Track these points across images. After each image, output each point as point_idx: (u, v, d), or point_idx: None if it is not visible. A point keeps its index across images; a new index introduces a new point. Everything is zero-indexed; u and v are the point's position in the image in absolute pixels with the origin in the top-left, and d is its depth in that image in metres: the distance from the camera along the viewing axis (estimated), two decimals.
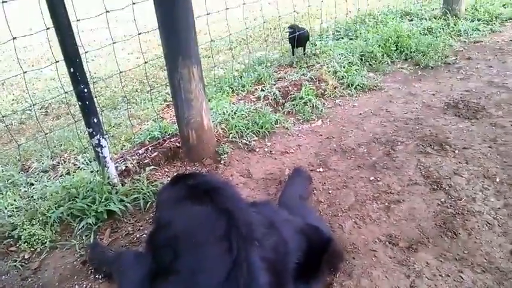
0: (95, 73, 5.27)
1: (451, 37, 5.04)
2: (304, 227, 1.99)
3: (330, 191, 2.65)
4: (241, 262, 1.48)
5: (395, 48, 4.65)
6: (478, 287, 1.92)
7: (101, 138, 2.65)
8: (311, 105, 3.71)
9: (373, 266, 2.07)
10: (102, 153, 2.67)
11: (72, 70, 2.46)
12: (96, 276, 2.20)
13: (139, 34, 2.90)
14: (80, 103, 2.55)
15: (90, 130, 2.62)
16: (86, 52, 2.63)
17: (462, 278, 1.97)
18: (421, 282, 1.96)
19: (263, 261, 1.56)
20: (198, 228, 1.68)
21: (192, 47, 2.83)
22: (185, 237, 1.68)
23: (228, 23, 3.98)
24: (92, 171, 2.79)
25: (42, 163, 3.12)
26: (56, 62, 2.62)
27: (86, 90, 2.52)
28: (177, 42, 2.78)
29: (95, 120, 2.60)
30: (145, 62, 3.00)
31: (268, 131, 3.35)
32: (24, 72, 2.57)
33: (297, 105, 3.71)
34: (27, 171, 3.03)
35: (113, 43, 2.85)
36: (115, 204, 2.61)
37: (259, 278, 1.51)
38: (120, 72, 2.93)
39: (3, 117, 2.63)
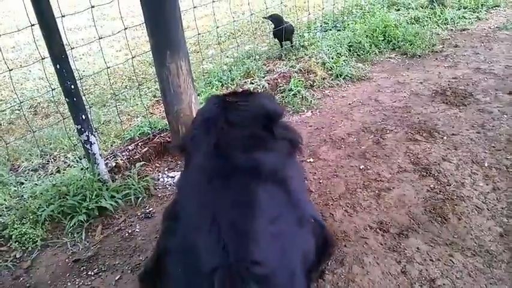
0: (83, 71, 5.22)
1: (438, 25, 5.06)
2: (314, 226, 2.00)
3: (321, 181, 2.66)
4: None
5: (382, 38, 4.66)
6: (468, 270, 1.95)
7: (89, 134, 2.64)
8: (300, 96, 3.71)
9: (365, 253, 2.09)
10: (91, 150, 2.67)
11: (58, 67, 2.45)
12: (89, 273, 2.20)
13: (125, 29, 2.88)
14: (67, 100, 2.54)
15: (79, 127, 2.61)
16: (72, 48, 2.61)
17: (453, 262, 1.99)
18: (412, 267, 1.98)
19: None
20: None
21: (179, 41, 2.81)
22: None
23: (215, 17, 3.97)
24: (82, 169, 2.78)
25: (32, 162, 3.10)
26: (42, 59, 2.60)
27: (73, 86, 2.51)
28: (164, 37, 2.76)
29: (83, 116, 2.59)
30: (133, 57, 2.99)
31: None
32: (10, 70, 2.54)
33: (286, 97, 3.71)
34: (17, 171, 3.01)
35: (99, 39, 2.83)
36: (106, 200, 2.61)
37: None
38: (108, 67, 2.92)
39: None
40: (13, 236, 2.38)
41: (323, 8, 5.39)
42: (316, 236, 1.95)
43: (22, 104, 4.34)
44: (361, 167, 2.72)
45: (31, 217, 2.48)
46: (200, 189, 1.70)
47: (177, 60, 2.81)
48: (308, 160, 2.89)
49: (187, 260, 1.57)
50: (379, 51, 4.54)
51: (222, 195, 1.62)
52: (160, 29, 2.72)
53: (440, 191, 2.43)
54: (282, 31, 4.35)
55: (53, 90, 2.73)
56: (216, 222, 1.56)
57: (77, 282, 2.15)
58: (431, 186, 2.48)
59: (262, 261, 1.54)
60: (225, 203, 1.60)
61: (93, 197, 2.58)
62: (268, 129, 1.87)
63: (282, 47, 4.62)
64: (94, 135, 2.67)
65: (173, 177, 2.89)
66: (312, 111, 3.54)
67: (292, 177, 2.02)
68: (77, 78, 2.56)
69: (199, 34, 3.79)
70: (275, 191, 1.76)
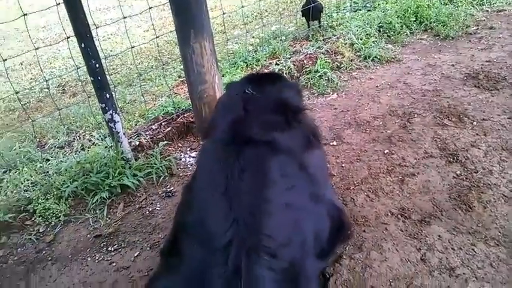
0: (111, 50, 5.28)
1: (473, 6, 4.85)
2: (330, 208, 1.98)
3: (343, 165, 2.61)
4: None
5: (414, 19, 4.51)
6: (490, 259, 1.88)
7: (113, 113, 2.66)
8: (326, 78, 3.64)
9: (384, 238, 2.05)
10: (115, 128, 2.69)
11: (83, 45, 2.47)
12: (109, 249, 2.24)
13: (150, 8, 2.87)
14: (92, 78, 2.57)
15: (103, 105, 2.63)
16: (97, 27, 2.62)
17: (474, 251, 1.93)
18: (432, 255, 1.93)
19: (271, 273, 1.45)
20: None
21: (204, 20, 2.78)
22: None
23: None
24: (106, 147, 2.82)
25: (58, 139, 3.16)
26: (68, 37, 2.62)
27: (97, 65, 2.53)
28: (188, 16, 2.73)
29: (107, 95, 2.61)
30: (157, 37, 2.98)
31: None
32: (36, 49, 2.57)
33: (312, 78, 3.65)
34: (44, 147, 3.08)
35: (124, 18, 2.83)
36: (128, 178, 2.64)
37: None
38: (132, 47, 2.92)
39: (17, 93, 2.65)
40: (37, 211, 2.44)
41: None
42: (332, 218, 1.93)
43: (49, 82, 4.42)
44: (385, 152, 2.66)
45: (55, 193, 2.54)
46: (214, 162, 1.70)
47: (200, 40, 2.79)
48: (331, 143, 2.84)
49: (201, 234, 1.57)
50: (410, 32, 4.39)
51: (235, 165, 1.61)
52: (185, 8, 2.69)
53: (466, 178, 2.34)
54: (310, 10, 4.26)
55: (77, 69, 2.75)
56: (228, 194, 1.56)
57: (97, 257, 2.20)
58: (458, 172, 2.39)
59: (274, 234, 1.53)
60: (238, 173, 1.59)
61: (116, 175, 2.62)
62: (287, 118, 1.85)
63: (309, 27, 4.53)
64: (118, 114, 2.69)
65: (195, 157, 2.90)
66: (337, 94, 3.47)
67: (309, 160, 2.00)
68: (102, 57, 2.58)
69: (224, 14, 3.75)
70: (290, 164, 1.75)
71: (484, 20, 4.53)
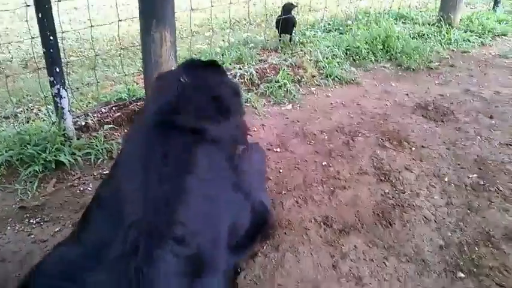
0: (71, 26, 5.24)
1: (441, 44, 5.02)
2: (256, 205, 2.00)
3: (281, 171, 2.66)
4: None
5: (381, 47, 4.64)
6: (398, 274, 1.94)
7: (61, 88, 2.65)
8: (285, 89, 3.70)
9: (302, 242, 2.09)
10: (60, 103, 2.68)
11: (40, 15, 2.47)
12: (31, 221, 2.21)
13: None
14: (44, 50, 2.56)
15: (52, 79, 2.63)
16: (59, 1, 2.61)
17: (385, 264, 1.99)
18: (344, 263, 1.98)
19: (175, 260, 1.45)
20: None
21: (167, 10, 2.82)
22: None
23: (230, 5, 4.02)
24: (50, 122, 2.79)
25: (6, 110, 3.12)
26: (27, 5, 2.61)
27: (51, 38, 2.53)
28: (152, 4, 2.77)
29: (57, 69, 2.61)
30: (120, 20, 2.99)
31: None
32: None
33: (271, 87, 3.71)
34: None
35: None
36: (65, 156, 2.61)
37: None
38: (92, 26, 2.92)
39: None
40: None
41: (333, 11, 5.37)
42: (256, 215, 1.96)
43: (13, 55, 4.37)
44: (323, 164, 2.72)
45: None
46: (138, 145, 1.71)
47: (162, 30, 2.82)
48: (275, 150, 2.89)
49: (112, 211, 1.58)
50: (375, 59, 4.51)
51: (159, 150, 1.63)
52: None
53: (393, 197, 2.42)
54: (281, 21, 4.35)
55: (32, 38, 2.73)
56: (147, 178, 1.57)
57: (17, 228, 2.17)
58: (386, 191, 2.47)
59: (186, 221, 1.55)
60: (161, 158, 1.61)
61: (53, 150, 2.59)
62: (220, 111, 1.88)
63: (280, 38, 4.62)
64: (65, 90, 2.68)
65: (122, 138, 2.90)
66: (292, 105, 3.54)
67: (241, 157, 2.04)
68: (59, 32, 2.58)
69: (192, 10, 3.80)
70: (216, 155, 1.78)
71: (448, 58, 4.70)
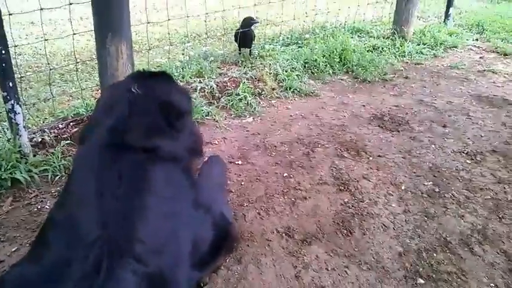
0: (26, 39, 5.15)
1: (395, 57, 5.21)
2: (218, 220, 2.00)
3: (243, 183, 2.67)
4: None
5: (338, 60, 4.77)
6: (360, 282, 1.98)
7: (15, 103, 2.59)
8: (246, 102, 3.74)
9: (264, 254, 2.10)
10: (15, 119, 2.61)
11: None
12: None
13: (70, 4, 2.85)
14: None
15: (5, 94, 2.55)
16: (10, 14, 2.56)
17: (347, 273, 2.03)
18: (306, 273, 2.01)
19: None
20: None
21: (123, 23, 2.81)
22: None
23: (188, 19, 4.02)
24: (5, 140, 2.71)
25: None
26: None
27: (3, 51, 2.47)
28: (107, 17, 2.76)
29: (10, 84, 2.54)
30: (74, 34, 2.95)
31: (198, 122, 3.35)
32: None
33: (231, 100, 3.73)
34: None
35: (41, 9, 2.78)
36: (21, 173, 2.54)
37: None
38: (46, 40, 2.87)
39: None
40: None
41: (291, 25, 5.48)
42: (218, 230, 1.96)
43: None
44: (284, 175, 2.75)
45: None
46: (89, 169, 1.68)
47: (117, 43, 2.81)
48: (237, 162, 2.91)
49: (69, 232, 1.54)
50: (332, 72, 4.63)
51: (112, 173, 1.60)
52: (105, 8, 2.71)
53: (352, 206, 2.48)
54: (240, 35, 4.41)
55: None
56: (101, 196, 1.55)
57: None
58: (346, 200, 2.53)
59: (146, 239, 1.54)
60: (115, 180, 1.59)
61: (8, 168, 2.52)
62: (171, 123, 1.87)
63: (240, 52, 4.66)
64: (20, 106, 2.61)
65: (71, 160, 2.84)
66: (253, 118, 3.57)
67: (198, 170, 2.04)
68: (11, 45, 2.52)
69: (148, 23, 3.80)
70: (172, 172, 1.77)
71: (402, 70, 4.87)
